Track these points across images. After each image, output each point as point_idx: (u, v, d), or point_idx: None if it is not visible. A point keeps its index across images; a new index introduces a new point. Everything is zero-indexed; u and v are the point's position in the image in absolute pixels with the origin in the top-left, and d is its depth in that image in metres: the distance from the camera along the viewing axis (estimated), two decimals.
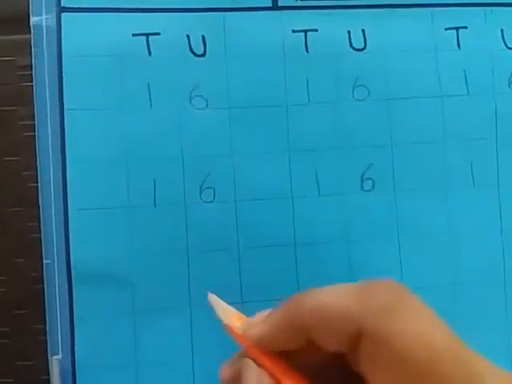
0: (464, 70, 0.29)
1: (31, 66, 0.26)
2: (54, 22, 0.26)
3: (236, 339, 0.21)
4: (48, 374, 0.26)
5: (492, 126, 0.29)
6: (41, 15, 0.26)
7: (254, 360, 0.20)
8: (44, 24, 0.26)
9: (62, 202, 0.26)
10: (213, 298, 0.22)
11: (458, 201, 0.29)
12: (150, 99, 0.27)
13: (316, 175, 0.28)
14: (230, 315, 0.22)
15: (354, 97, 0.28)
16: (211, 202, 0.27)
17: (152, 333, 0.27)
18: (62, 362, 0.26)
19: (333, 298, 0.19)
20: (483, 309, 0.29)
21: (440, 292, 0.29)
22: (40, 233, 0.26)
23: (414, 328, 0.17)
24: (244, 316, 0.22)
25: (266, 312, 0.21)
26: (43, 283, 0.26)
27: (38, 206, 0.26)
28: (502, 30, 0.29)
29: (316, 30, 0.28)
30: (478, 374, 0.17)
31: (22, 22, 0.26)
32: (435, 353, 0.16)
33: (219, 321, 0.22)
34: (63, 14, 0.26)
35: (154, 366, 0.27)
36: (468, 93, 0.29)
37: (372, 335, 0.17)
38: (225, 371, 0.22)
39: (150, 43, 0.27)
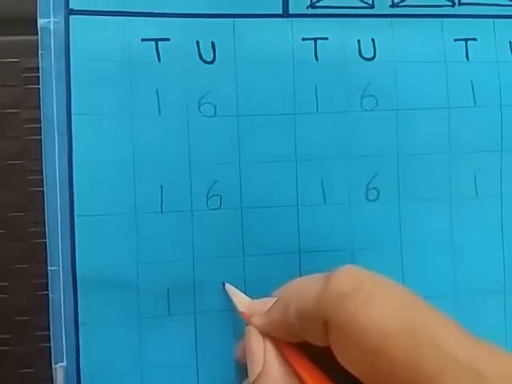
0: (471, 82, 0.29)
1: (37, 68, 0.26)
2: (62, 25, 0.25)
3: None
4: (51, 382, 0.26)
5: (497, 138, 0.29)
6: (49, 17, 0.25)
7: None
8: (52, 27, 0.25)
9: (68, 208, 0.26)
10: (229, 288, 0.26)
11: (461, 212, 0.29)
12: (159, 106, 0.27)
13: (322, 184, 0.28)
14: (245, 303, 0.25)
15: (362, 107, 0.28)
16: (217, 209, 0.27)
17: (157, 339, 0.27)
18: (66, 370, 0.26)
19: (302, 296, 0.20)
20: (483, 318, 0.29)
21: (442, 301, 0.29)
22: (43, 238, 0.26)
23: (364, 313, 0.17)
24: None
25: (268, 300, 0.23)
26: (46, 289, 0.26)
27: (42, 210, 0.26)
28: (510, 43, 0.29)
29: (326, 39, 0.28)
30: (433, 357, 0.17)
31: (27, 22, 0.26)
32: (385, 337, 0.17)
33: (235, 309, 0.25)
34: (71, 17, 0.26)
35: (159, 373, 0.27)
36: (475, 104, 0.29)
37: (331, 324, 0.18)
38: (237, 349, 0.25)
39: (160, 49, 0.26)
